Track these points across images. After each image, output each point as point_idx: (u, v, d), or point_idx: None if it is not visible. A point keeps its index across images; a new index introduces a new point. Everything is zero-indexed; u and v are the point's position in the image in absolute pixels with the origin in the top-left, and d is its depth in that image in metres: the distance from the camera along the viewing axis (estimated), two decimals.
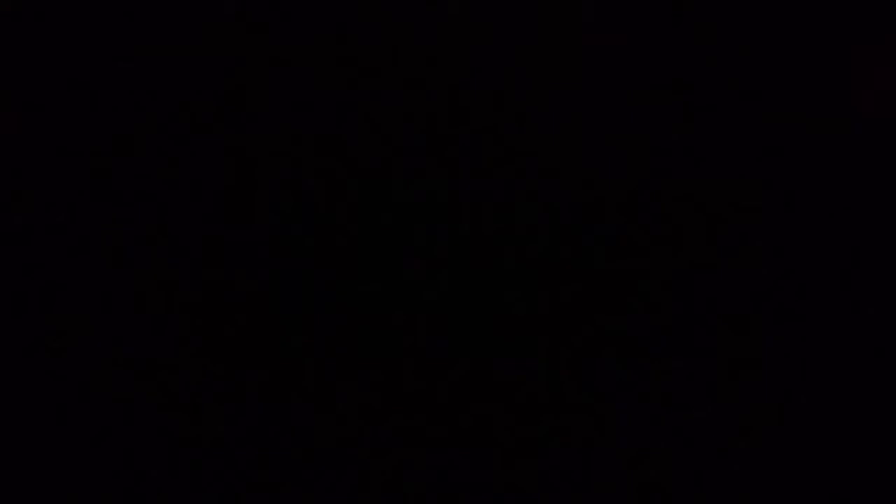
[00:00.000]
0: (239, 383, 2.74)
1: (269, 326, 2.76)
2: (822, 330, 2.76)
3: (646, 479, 2.70)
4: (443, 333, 2.75)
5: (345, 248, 2.79)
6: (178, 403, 2.72)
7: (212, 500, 2.68)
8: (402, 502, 2.69)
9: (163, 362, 2.74)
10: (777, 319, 2.77)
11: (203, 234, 2.79)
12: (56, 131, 2.83)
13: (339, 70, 2.86)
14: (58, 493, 2.68)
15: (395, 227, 2.80)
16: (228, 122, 2.84)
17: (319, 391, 2.73)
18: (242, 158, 2.83)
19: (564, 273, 2.78)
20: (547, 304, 2.77)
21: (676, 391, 2.74)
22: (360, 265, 2.79)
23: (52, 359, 2.73)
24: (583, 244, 2.79)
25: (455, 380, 2.74)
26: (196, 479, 2.69)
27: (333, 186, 2.82)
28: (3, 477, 2.68)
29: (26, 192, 2.80)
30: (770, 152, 2.83)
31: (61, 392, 2.72)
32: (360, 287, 2.78)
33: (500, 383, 2.74)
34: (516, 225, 2.80)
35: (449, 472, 2.70)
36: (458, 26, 2.87)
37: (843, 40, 2.87)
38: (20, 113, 2.83)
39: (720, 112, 2.84)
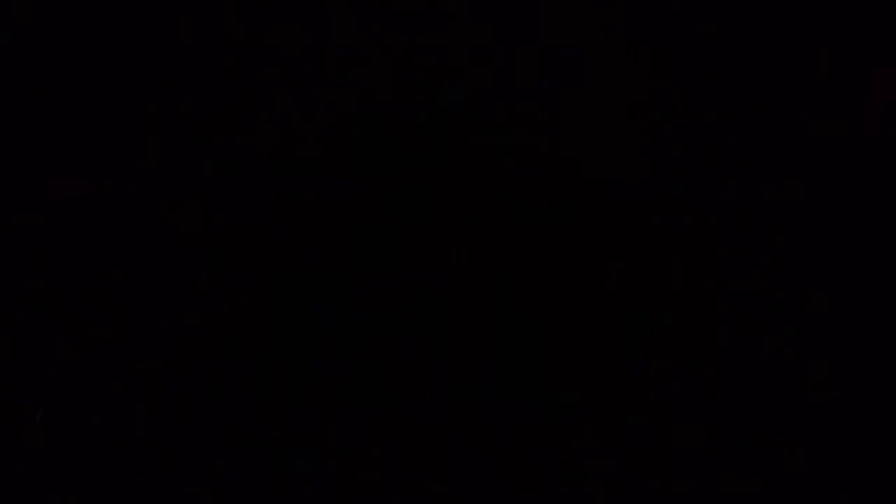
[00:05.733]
0: (238, 384, 2.74)
1: (269, 328, 2.76)
2: (823, 330, 2.77)
3: (648, 479, 2.71)
4: (443, 334, 2.76)
5: (345, 249, 2.80)
6: (178, 404, 2.72)
7: (212, 500, 2.68)
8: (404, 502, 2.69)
9: (162, 364, 2.74)
10: (779, 318, 2.77)
11: (204, 235, 2.80)
12: (57, 131, 2.83)
13: (340, 70, 2.87)
14: (58, 493, 2.68)
15: (396, 228, 2.80)
16: (229, 122, 2.85)
17: (320, 391, 2.74)
18: (243, 159, 2.83)
19: (566, 273, 2.79)
20: (549, 305, 2.77)
21: (678, 392, 2.74)
22: (361, 266, 2.79)
23: (52, 360, 2.74)
24: (584, 244, 2.80)
25: (455, 380, 2.75)
26: (197, 480, 2.69)
27: (334, 187, 2.82)
28: (3, 477, 2.68)
29: (27, 192, 2.80)
30: (775, 155, 2.84)
31: (62, 392, 2.73)
32: (361, 288, 2.78)
33: (500, 384, 2.75)
34: (517, 225, 2.80)
35: (449, 474, 2.71)
36: (460, 26, 2.87)
37: (848, 47, 2.88)
38: (20, 112, 2.83)
39: (725, 114, 2.85)
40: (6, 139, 2.83)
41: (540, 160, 2.83)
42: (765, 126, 2.84)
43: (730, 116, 2.84)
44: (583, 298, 2.77)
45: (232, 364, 2.75)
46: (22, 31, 2.86)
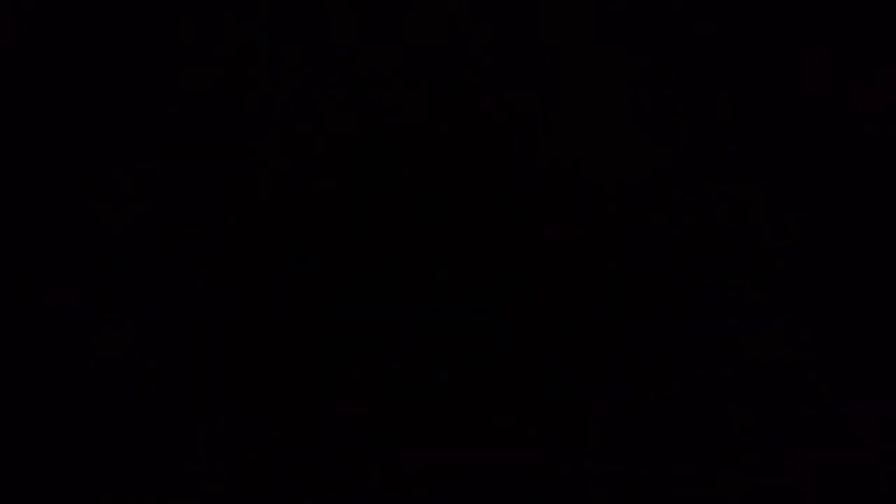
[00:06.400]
0: (238, 384, 2.74)
1: (269, 328, 2.76)
2: (823, 330, 2.76)
3: (648, 479, 2.71)
4: (443, 334, 2.76)
5: (345, 248, 2.80)
6: (178, 406, 2.72)
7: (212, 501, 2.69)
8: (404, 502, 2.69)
9: (162, 365, 2.74)
10: (779, 318, 2.77)
11: (203, 235, 2.80)
12: (56, 130, 2.83)
13: (340, 70, 2.87)
14: (58, 493, 2.68)
15: (395, 229, 2.80)
16: (228, 121, 2.84)
17: (320, 391, 2.74)
18: (242, 159, 2.83)
19: (566, 274, 2.79)
20: (550, 306, 2.77)
21: (679, 393, 2.74)
22: (361, 265, 2.79)
23: (52, 360, 2.74)
24: (584, 244, 2.80)
25: (456, 381, 2.75)
26: (198, 480, 2.69)
27: (333, 187, 2.82)
28: (3, 477, 2.68)
29: (27, 193, 2.80)
30: (775, 155, 2.84)
31: (61, 393, 2.73)
32: (361, 288, 2.78)
33: (501, 384, 2.75)
34: (517, 225, 2.80)
35: (450, 475, 2.71)
36: (460, 26, 2.87)
37: (848, 47, 2.88)
38: (20, 112, 2.83)
39: (726, 114, 2.85)
40: (6, 139, 2.83)
41: (539, 160, 2.83)
42: (764, 126, 2.84)
43: (729, 116, 2.84)
44: (583, 299, 2.77)
45: (232, 364, 2.75)
46: (22, 31, 2.86)
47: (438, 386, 2.74)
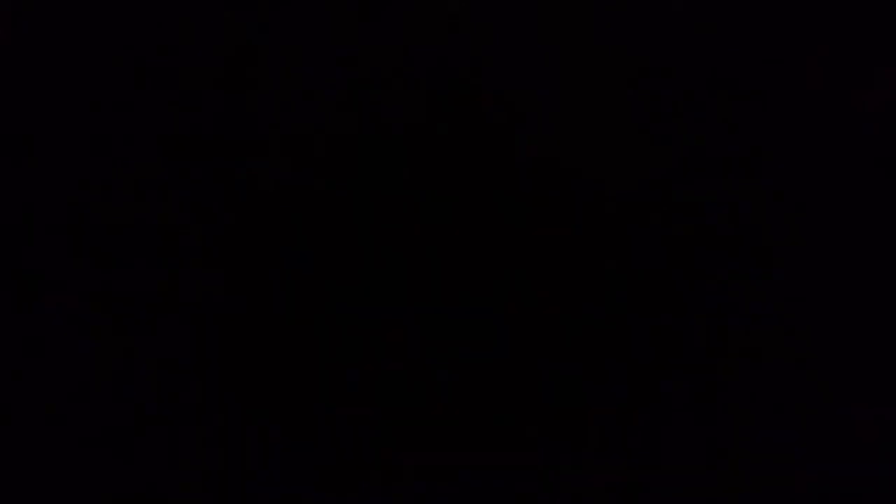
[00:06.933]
0: (238, 385, 2.74)
1: (269, 330, 2.76)
2: (822, 330, 2.76)
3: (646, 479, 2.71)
4: (443, 335, 2.76)
5: (346, 249, 2.80)
6: (178, 405, 2.72)
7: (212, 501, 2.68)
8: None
9: (163, 367, 2.74)
10: (779, 319, 2.77)
11: (202, 236, 2.80)
12: (58, 130, 2.83)
13: (340, 70, 2.86)
14: (58, 493, 2.68)
15: (394, 230, 2.80)
16: (227, 121, 2.84)
17: (319, 392, 2.73)
18: (243, 160, 2.83)
19: (565, 273, 2.79)
20: (550, 306, 2.77)
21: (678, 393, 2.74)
22: (361, 266, 2.79)
23: (52, 361, 2.74)
24: (584, 246, 2.79)
25: (457, 382, 2.74)
26: (199, 480, 2.69)
27: (333, 188, 2.82)
28: (3, 477, 2.68)
29: (27, 193, 2.80)
30: (774, 155, 2.84)
31: (61, 393, 2.73)
32: (362, 289, 2.78)
33: (502, 385, 2.74)
34: (518, 225, 2.80)
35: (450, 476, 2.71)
36: (460, 26, 2.87)
37: (848, 47, 2.88)
38: (20, 112, 2.83)
39: (726, 113, 2.85)
40: (6, 139, 2.83)
41: (539, 160, 2.83)
42: (764, 126, 2.84)
43: (729, 116, 2.84)
44: (583, 299, 2.77)
45: (232, 364, 2.74)
46: (22, 31, 2.86)
47: (438, 386, 2.74)
